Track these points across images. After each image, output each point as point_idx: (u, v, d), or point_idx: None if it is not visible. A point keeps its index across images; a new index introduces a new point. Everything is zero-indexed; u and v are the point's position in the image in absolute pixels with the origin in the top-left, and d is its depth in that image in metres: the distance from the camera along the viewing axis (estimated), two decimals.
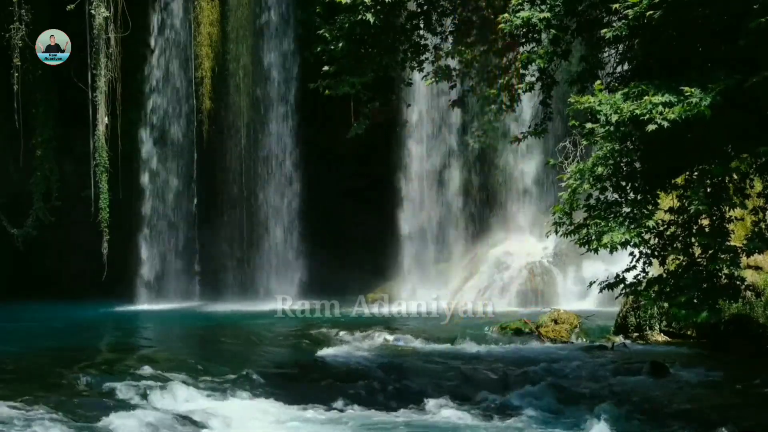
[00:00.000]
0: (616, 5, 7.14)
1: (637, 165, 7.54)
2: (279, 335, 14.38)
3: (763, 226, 7.71)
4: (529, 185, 21.33)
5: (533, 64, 8.45)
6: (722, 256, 7.15)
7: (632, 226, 7.02)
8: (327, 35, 9.09)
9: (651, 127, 6.38)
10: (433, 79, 9.69)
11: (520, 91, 8.89)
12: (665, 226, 7.80)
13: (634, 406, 9.02)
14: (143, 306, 20.42)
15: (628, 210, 7.36)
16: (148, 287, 21.33)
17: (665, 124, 6.32)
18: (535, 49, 8.52)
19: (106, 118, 20.25)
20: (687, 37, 7.14)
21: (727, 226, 7.49)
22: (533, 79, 8.96)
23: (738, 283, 7.53)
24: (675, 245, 7.69)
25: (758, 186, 8.28)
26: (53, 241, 21.11)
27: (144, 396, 9.02)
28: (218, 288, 21.24)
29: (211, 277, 21.49)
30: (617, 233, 6.96)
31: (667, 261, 7.88)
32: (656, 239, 7.77)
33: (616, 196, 7.55)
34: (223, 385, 9.57)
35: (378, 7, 8.39)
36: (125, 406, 8.57)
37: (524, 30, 8.26)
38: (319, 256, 20.74)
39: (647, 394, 9.67)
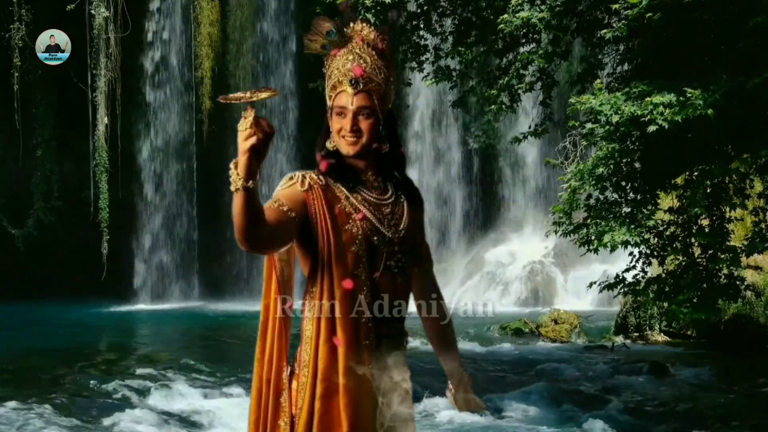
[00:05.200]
0: (616, 5, 7.14)
1: (637, 165, 7.55)
2: None
3: (764, 227, 7.72)
4: (529, 185, 21.34)
5: (533, 64, 8.46)
6: (722, 256, 7.15)
7: (632, 226, 7.03)
8: None
9: (652, 128, 6.38)
10: (433, 80, 9.68)
11: (520, 91, 8.90)
12: (665, 226, 7.81)
13: (634, 406, 9.02)
14: (143, 306, 20.41)
15: (628, 210, 7.37)
16: (148, 287, 21.32)
17: (666, 125, 6.33)
18: (535, 49, 8.53)
19: (106, 118, 20.24)
20: (687, 38, 7.15)
21: (727, 226, 7.49)
22: (533, 79, 8.96)
23: (738, 283, 7.53)
24: (675, 245, 7.69)
25: (758, 186, 8.29)
26: (53, 241, 21.10)
27: (144, 396, 9.01)
28: (218, 288, 21.23)
29: (212, 277, 21.48)
30: (617, 233, 6.96)
31: (666, 261, 7.89)
32: (656, 239, 7.78)
33: (616, 196, 7.56)
34: (223, 385, 9.58)
35: (378, 8, 8.39)
36: (125, 406, 8.57)
37: (524, 30, 8.27)
38: None
39: (647, 394, 9.67)
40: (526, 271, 19.47)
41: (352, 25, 2.66)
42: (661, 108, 6.37)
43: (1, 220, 21.12)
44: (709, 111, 6.16)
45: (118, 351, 12.97)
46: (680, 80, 6.56)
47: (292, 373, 2.66)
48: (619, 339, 12.98)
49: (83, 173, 20.58)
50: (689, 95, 6.25)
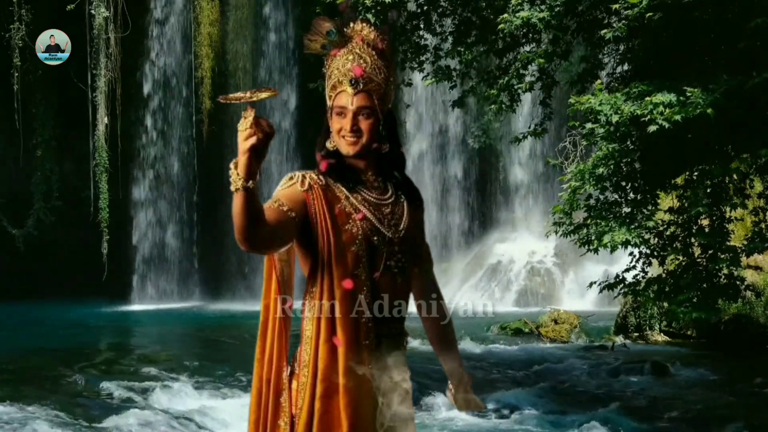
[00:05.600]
0: (616, 5, 7.14)
1: (637, 165, 7.55)
2: None
3: (764, 227, 7.72)
4: (530, 185, 21.34)
5: (533, 64, 8.46)
6: (722, 256, 7.15)
7: (632, 226, 7.03)
8: None
9: (652, 128, 6.39)
10: (433, 80, 9.68)
11: (519, 91, 8.90)
12: (665, 226, 7.81)
13: (634, 406, 9.02)
14: (143, 306, 20.41)
15: (628, 210, 7.37)
16: (148, 287, 21.32)
17: (666, 125, 6.33)
18: (535, 49, 8.53)
19: (106, 118, 20.24)
20: (687, 38, 7.15)
21: (727, 226, 7.49)
22: (533, 79, 8.97)
23: (738, 283, 7.53)
24: (675, 245, 7.69)
25: (758, 186, 8.29)
26: (53, 241, 21.10)
27: (144, 396, 9.01)
28: (218, 288, 21.24)
29: (211, 277, 21.48)
30: (618, 233, 6.96)
31: (666, 261, 7.89)
32: (656, 239, 7.77)
33: (616, 196, 7.57)
34: (223, 385, 9.57)
35: (378, 8, 8.39)
36: (125, 406, 8.56)
37: (524, 30, 8.28)
38: None
39: (648, 394, 9.67)
40: (526, 271, 19.48)
41: (352, 25, 2.66)
42: (661, 108, 6.37)
43: (1, 220, 21.13)
44: (709, 110, 6.16)
45: (118, 351, 12.96)
46: (680, 80, 6.56)
47: (292, 373, 2.66)
48: (619, 339, 12.97)
49: (83, 173, 20.58)
50: (689, 94, 6.25)
